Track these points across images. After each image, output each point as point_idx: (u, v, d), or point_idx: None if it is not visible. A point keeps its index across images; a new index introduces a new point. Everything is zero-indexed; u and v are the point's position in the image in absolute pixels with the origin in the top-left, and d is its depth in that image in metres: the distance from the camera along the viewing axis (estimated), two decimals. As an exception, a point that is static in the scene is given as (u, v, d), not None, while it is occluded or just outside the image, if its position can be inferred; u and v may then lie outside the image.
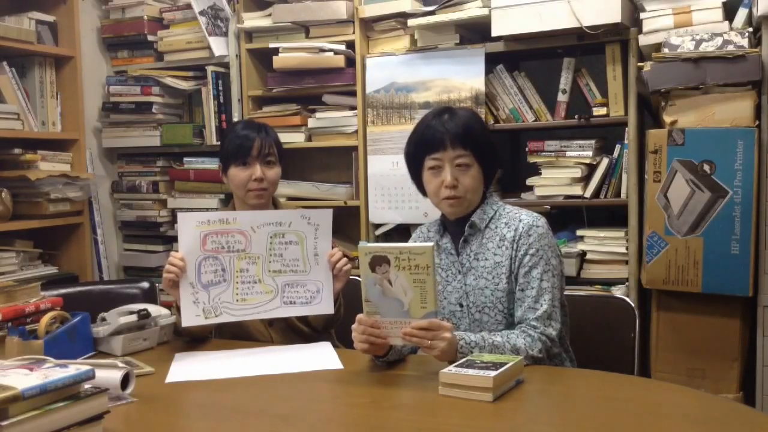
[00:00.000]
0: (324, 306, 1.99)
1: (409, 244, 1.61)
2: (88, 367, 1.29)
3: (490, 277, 1.80)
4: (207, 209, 3.26)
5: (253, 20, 3.19)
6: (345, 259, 2.02)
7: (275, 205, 2.22)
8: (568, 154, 2.70)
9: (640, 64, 2.50)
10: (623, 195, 2.66)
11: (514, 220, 1.82)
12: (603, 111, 2.70)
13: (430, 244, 1.59)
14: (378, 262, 1.59)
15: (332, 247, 2.02)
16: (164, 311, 2.03)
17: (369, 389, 1.60)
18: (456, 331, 1.68)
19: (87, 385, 1.29)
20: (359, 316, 1.66)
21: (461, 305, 1.83)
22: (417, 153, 1.88)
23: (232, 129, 2.20)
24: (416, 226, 2.97)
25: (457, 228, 1.87)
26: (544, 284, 1.75)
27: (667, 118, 2.39)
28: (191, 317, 1.91)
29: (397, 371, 1.70)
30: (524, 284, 1.77)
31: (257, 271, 1.96)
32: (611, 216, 2.81)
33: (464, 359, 1.57)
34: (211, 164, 3.29)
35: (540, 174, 2.77)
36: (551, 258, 1.79)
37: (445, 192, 1.81)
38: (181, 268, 1.90)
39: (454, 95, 2.84)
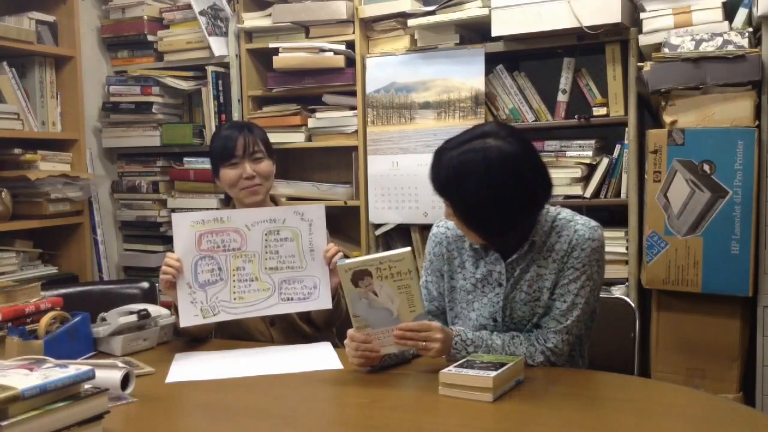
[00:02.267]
0: (322, 301, 1.99)
1: (387, 252, 1.58)
2: (88, 367, 1.29)
3: (531, 291, 1.70)
4: (207, 209, 3.26)
5: (253, 20, 3.19)
6: (341, 254, 2.02)
7: (275, 204, 2.22)
8: (568, 154, 2.70)
9: (640, 64, 2.50)
10: (623, 195, 2.66)
11: (568, 230, 1.69)
12: (603, 111, 2.70)
13: (407, 249, 1.58)
14: (360, 276, 1.58)
15: (328, 243, 2.02)
16: (164, 311, 2.03)
17: (369, 389, 1.59)
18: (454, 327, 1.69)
19: (87, 385, 1.29)
20: (350, 332, 1.65)
21: (495, 320, 1.73)
22: None
23: (217, 131, 2.23)
24: (416, 226, 3.03)
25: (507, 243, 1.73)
26: (578, 299, 1.67)
27: (667, 118, 2.39)
28: (189, 317, 1.91)
29: (397, 371, 1.70)
30: (558, 295, 1.69)
31: (254, 269, 1.96)
32: (611, 216, 2.81)
33: (464, 359, 1.57)
34: (211, 164, 3.29)
35: (540, 174, 2.76)
36: (594, 273, 1.70)
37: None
38: (177, 269, 1.89)
39: (454, 95, 2.85)
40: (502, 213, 1.62)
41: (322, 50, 3.02)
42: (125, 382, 1.54)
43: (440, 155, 1.64)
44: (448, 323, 1.82)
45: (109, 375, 1.51)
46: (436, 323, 1.63)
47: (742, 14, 2.43)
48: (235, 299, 1.95)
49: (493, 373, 1.45)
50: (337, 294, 2.04)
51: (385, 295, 1.59)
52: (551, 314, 1.69)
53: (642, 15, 2.54)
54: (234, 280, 1.95)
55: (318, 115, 3.14)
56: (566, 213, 1.75)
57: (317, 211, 2.00)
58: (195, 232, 1.92)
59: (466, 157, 1.60)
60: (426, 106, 2.90)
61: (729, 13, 2.46)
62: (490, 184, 1.59)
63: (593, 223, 1.73)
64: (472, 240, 1.73)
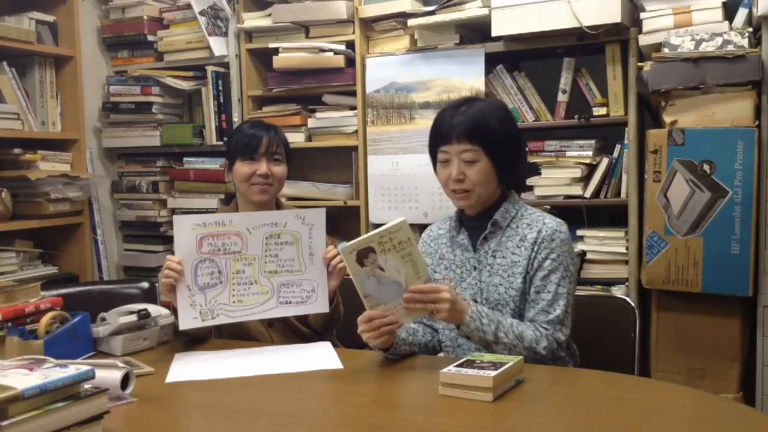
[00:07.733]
0: (319, 305, 1.99)
1: (384, 226, 1.62)
2: (88, 367, 1.29)
3: (506, 275, 1.80)
4: (207, 209, 3.26)
5: (253, 20, 3.19)
6: (340, 257, 2.02)
7: (278, 206, 2.22)
8: (568, 154, 2.70)
9: (640, 64, 2.50)
10: (623, 195, 2.66)
11: (537, 222, 1.82)
12: (603, 111, 2.70)
13: (401, 218, 1.62)
14: (364, 254, 1.61)
15: (327, 246, 2.02)
16: (164, 311, 2.03)
17: (369, 389, 1.59)
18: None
19: (87, 385, 1.29)
20: (367, 314, 1.66)
21: (475, 301, 1.83)
22: (432, 144, 1.90)
23: (239, 128, 2.24)
24: (416, 226, 3.03)
25: (476, 224, 1.87)
26: (560, 289, 1.76)
27: (667, 118, 2.39)
28: (188, 320, 1.91)
29: (397, 371, 1.70)
30: (540, 287, 1.77)
31: (253, 273, 1.96)
32: (611, 216, 2.81)
33: (464, 359, 1.57)
34: (211, 164, 3.29)
35: (540, 174, 2.77)
36: (570, 265, 1.80)
37: (452, 185, 1.82)
38: (179, 272, 1.89)
39: (454, 95, 2.84)
40: (509, 159, 1.82)
41: (322, 50, 3.02)
42: (125, 382, 1.54)
43: (452, 111, 1.81)
44: None
45: (109, 375, 1.50)
46: (444, 285, 1.66)
47: (742, 14, 2.43)
48: (234, 302, 1.95)
49: (493, 373, 1.45)
50: (335, 298, 2.04)
51: (392, 267, 1.61)
52: (538, 307, 1.76)
53: (642, 15, 2.54)
54: (234, 284, 1.95)
55: (318, 115, 3.14)
56: (533, 209, 1.89)
57: (318, 215, 2.01)
58: (196, 235, 1.91)
59: (481, 105, 1.82)
60: (426, 106, 2.90)
61: (729, 13, 2.46)
62: (506, 117, 1.85)
63: (559, 219, 1.85)
64: (469, 201, 1.82)
